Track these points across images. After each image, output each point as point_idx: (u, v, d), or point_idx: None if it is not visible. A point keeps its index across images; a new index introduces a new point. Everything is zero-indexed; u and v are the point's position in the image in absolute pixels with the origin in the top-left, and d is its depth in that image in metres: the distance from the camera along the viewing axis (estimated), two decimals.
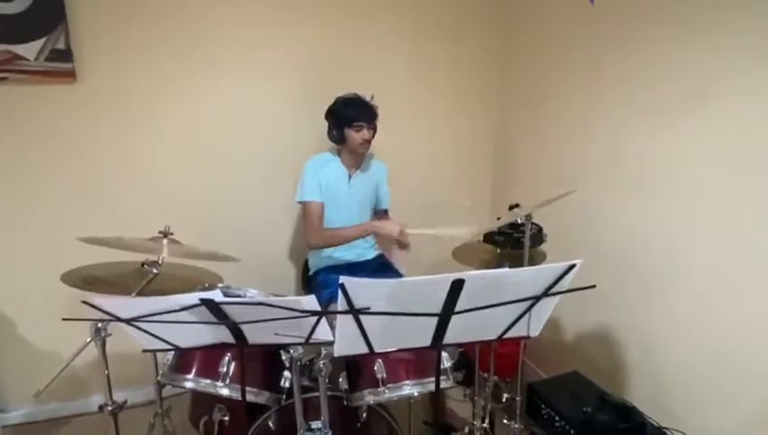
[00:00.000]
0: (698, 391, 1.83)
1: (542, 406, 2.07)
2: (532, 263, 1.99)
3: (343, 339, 1.18)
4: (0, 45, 2.05)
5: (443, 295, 1.11)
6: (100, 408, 1.67)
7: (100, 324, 1.50)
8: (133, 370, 2.17)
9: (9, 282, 2.25)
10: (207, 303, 1.06)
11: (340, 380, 1.65)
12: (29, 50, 2.09)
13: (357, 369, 1.63)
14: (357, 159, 2.33)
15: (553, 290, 1.15)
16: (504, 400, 2.20)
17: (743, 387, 1.68)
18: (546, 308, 1.22)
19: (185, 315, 1.13)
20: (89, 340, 1.51)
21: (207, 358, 1.54)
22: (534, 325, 1.26)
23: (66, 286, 1.64)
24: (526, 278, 1.13)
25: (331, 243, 2.28)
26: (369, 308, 1.09)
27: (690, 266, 1.83)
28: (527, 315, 1.22)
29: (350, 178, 2.34)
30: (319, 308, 1.10)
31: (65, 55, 2.13)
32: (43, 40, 2.09)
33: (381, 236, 2.23)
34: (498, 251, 2.12)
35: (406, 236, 2.15)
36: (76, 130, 2.23)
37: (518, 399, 2.09)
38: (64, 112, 2.19)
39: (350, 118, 2.19)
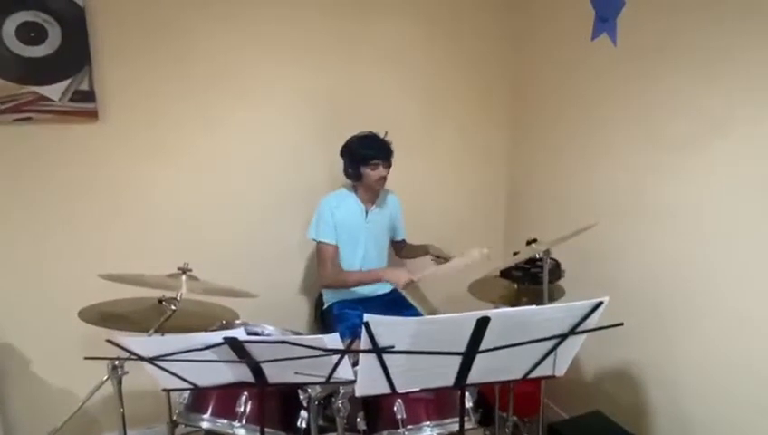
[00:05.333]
0: (726, 434, 1.76)
1: None
2: (550, 299, 1.96)
3: (365, 379, 1.16)
4: (26, 87, 2.11)
5: (467, 334, 1.10)
6: None
7: (117, 362, 1.49)
8: (145, 409, 2.14)
9: (27, 318, 2.24)
10: (231, 341, 1.05)
11: (358, 420, 1.61)
12: (54, 91, 2.14)
13: (376, 409, 1.60)
14: (373, 194, 2.35)
15: (580, 328, 1.13)
16: None
17: None
18: (573, 347, 1.20)
19: (206, 354, 1.12)
20: (105, 378, 1.50)
21: (224, 397, 1.52)
22: (560, 364, 1.24)
23: (83, 323, 1.64)
24: (552, 316, 1.12)
25: (343, 285, 2.32)
26: (393, 347, 1.07)
27: (717, 303, 1.78)
28: (553, 354, 1.20)
29: (366, 213, 2.35)
30: (342, 347, 1.09)
31: (88, 96, 2.19)
32: (67, 81, 2.15)
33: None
34: (516, 286, 2.10)
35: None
36: (97, 169, 2.26)
37: None
38: (86, 151, 2.24)
39: (366, 156, 2.21)
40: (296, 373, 1.21)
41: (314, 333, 2.55)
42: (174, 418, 1.55)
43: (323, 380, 1.23)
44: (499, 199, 2.98)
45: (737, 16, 1.65)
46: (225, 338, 1.04)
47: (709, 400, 1.82)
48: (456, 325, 1.08)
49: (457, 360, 1.16)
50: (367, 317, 1.02)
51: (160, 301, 1.72)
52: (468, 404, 1.55)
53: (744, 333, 1.69)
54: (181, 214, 2.41)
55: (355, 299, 2.36)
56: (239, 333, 1.04)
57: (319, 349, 1.07)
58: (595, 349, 2.31)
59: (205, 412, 1.51)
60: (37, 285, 2.24)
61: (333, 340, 1.08)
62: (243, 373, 1.22)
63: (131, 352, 1.09)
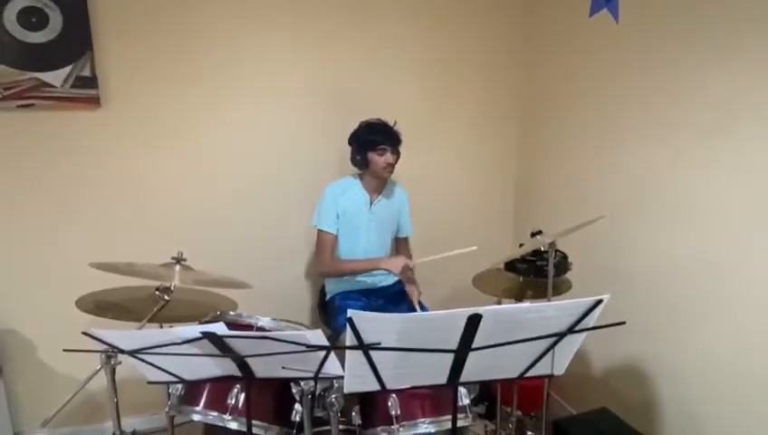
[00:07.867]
0: (737, 431, 1.70)
1: None
2: (556, 292, 1.90)
3: (353, 375, 1.12)
4: (28, 73, 2.09)
5: (459, 331, 1.05)
6: None
7: (109, 352, 1.47)
8: (148, 396, 2.14)
9: (31, 304, 2.25)
10: (210, 336, 1.02)
11: (354, 414, 1.57)
12: (55, 77, 2.13)
13: (371, 403, 1.56)
14: (379, 183, 2.30)
15: (579, 327, 1.07)
16: None
17: None
18: (571, 345, 1.14)
19: (189, 348, 1.09)
20: (98, 368, 1.49)
21: (216, 389, 1.49)
22: (559, 363, 1.18)
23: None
24: (548, 314, 1.06)
25: (338, 273, 2.29)
26: (379, 343, 1.03)
27: (727, 296, 1.71)
28: (551, 353, 1.14)
29: (371, 203, 2.30)
30: (326, 343, 1.05)
31: (90, 82, 2.17)
32: (69, 67, 2.13)
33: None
34: (521, 279, 2.03)
35: (411, 271, 2.16)
36: (99, 156, 2.25)
37: None
38: (87, 138, 2.22)
39: (373, 142, 2.17)
40: (284, 368, 1.17)
41: (316, 325, 2.52)
42: (167, 410, 1.53)
43: (312, 375, 1.19)
44: (509, 192, 2.91)
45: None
46: (203, 333, 1.01)
47: (720, 397, 1.76)
48: (445, 322, 1.03)
49: (449, 357, 1.12)
50: (351, 313, 0.97)
51: (157, 290, 1.70)
52: (465, 401, 1.50)
53: (758, 329, 1.62)
54: (184, 202, 2.39)
55: (358, 290, 2.32)
56: (218, 328, 1.01)
57: (302, 345, 1.03)
58: (603, 344, 2.25)
59: (197, 404, 1.49)
60: (40, 272, 2.25)
61: (316, 336, 1.04)
62: (229, 367, 1.19)
63: (110, 345, 1.07)
